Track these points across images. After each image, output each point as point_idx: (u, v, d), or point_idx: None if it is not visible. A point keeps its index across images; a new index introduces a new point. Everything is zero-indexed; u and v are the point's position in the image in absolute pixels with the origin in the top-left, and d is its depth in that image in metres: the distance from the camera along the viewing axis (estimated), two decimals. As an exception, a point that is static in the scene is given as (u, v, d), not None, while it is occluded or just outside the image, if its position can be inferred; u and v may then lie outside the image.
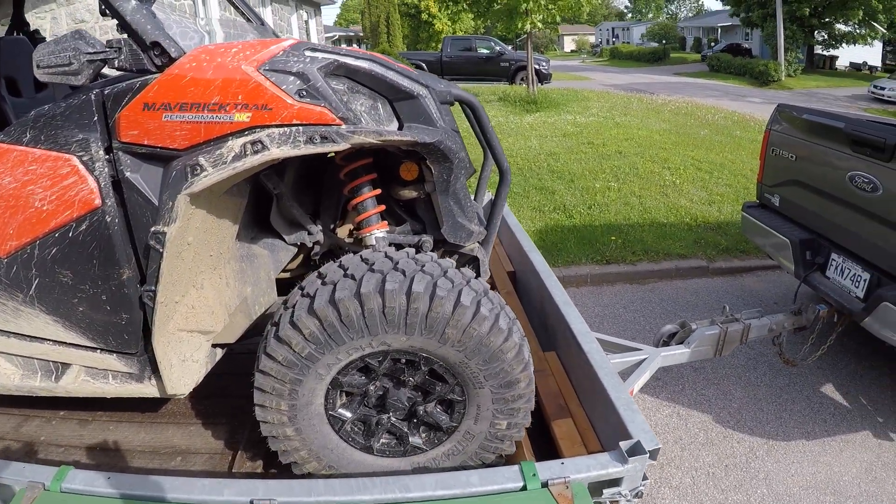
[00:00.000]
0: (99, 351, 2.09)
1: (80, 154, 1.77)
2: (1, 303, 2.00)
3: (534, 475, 1.74)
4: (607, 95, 17.92)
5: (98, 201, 1.81)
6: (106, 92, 1.79)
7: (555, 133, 11.80)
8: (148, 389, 2.14)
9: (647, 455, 1.82)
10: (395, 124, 1.92)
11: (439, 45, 27.91)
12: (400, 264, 1.89)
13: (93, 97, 1.79)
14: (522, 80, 18.79)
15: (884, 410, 4.11)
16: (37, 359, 2.16)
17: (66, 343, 2.08)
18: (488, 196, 4.07)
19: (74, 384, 2.15)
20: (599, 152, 10.32)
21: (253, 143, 1.72)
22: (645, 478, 1.87)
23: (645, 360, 3.63)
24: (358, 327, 1.81)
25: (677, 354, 3.82)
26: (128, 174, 1.79)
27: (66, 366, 2.15)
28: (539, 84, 15.75)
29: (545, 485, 1.73)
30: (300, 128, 1.75)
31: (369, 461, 2.15)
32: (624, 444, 1.85)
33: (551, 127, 12.40)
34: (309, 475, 2.15)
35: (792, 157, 4.27)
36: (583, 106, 15.32)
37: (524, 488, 1.73)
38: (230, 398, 2.72)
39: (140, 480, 1.82)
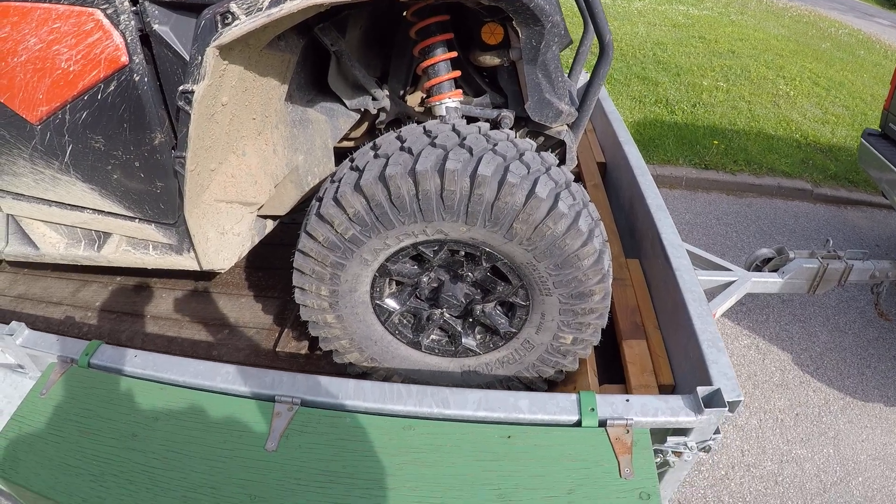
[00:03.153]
0: (137, 220, 2.01)
1: (103, 7, 1.58)
2: (38, 171, 1.94)
3: (592, 410, 1.50)
4: (725, -11, 16.37)
5: (125, 58, 1.63)
6: None
7: (664, 22, 10.87)
8: (187, 262, 2.04)
9: (727, 408, 1.54)
10: None
11: None
12: (468, 140, 1.60)
13: None
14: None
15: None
16: (79, 227, 2.12)
17: (104, 212, 2.02)
18: (584, 76, 3.67)
19: (116, 254, 2.11)
20: (711, 49, 9.46)
21: None
22: (717, 431, 1.60)
23: (734, 282, 3.33)
24: (410, 210, 1.55)
25: (769, 283, 3.52)
26: (156, 27, 1.58)
27: (107, 235, 2.11)
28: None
29: (603, 423, 1.48)
30: None
31: (415, 357, 1.98)
32: (701, 391, 1.57)
33: (661, 15, 11.42)
34: (349, 365, 2.00)
35: None
36: (698, -3, 14.04)
37: (578, 423, 1.49)
38: (283, 269, 2.64)
39: (167, 361, 1.76)
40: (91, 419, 1.62)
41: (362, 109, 2.16)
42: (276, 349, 2.22)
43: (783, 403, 3.43)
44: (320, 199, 1.67)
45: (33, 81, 1.72)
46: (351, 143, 2.44)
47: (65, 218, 2.08)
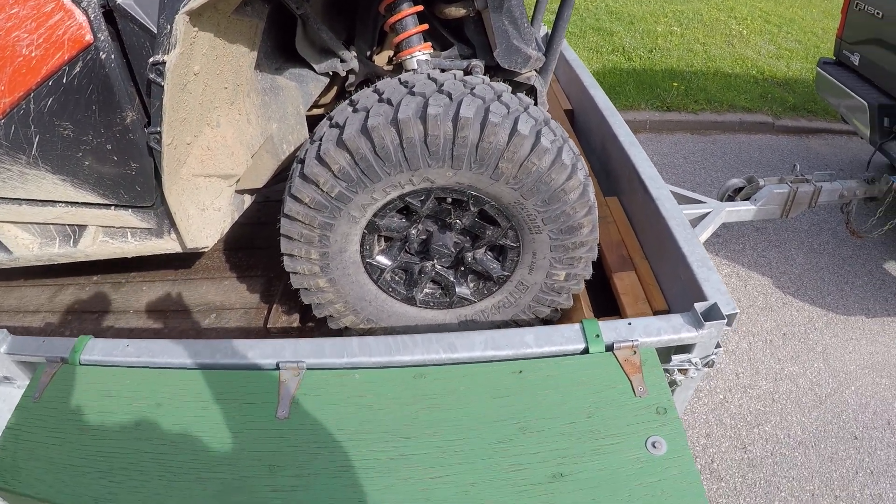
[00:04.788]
0: (113, 207, 1.94)
1: None
2: (5, 168, 1.84)
3: (597, 336, 1.51)
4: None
5: (89, 37, 1.56)
6: None
7: (612, -27, 10.86)
8: (169, 244, 1.99)
9: (724, 321, 1.57)
10: None
11: None
12: (445, 86, 1.58)
13: None
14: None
15: (949, 296, 3.86)
16: (52, 224, 2.03)
17: (78, 203, 1.94)
18: (543, 29, 3.66)
19: (93, 246, 2.03)
20: (661, -5, 9.50)
21: None
22: (718, 346, 1.63)
23: (709, 213, 3.38)
24: (395, 160, 1.54)
25: (742, 211, 3.58)
26: (119, 1, 1.52)
27: (82, 228, 2.02)
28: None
29: (610, 348, 1.50)
30: None
31: (412, 313, 1.97)
32: (699, 307, 1.60)
33: (609, -34, 11.40)
34: (345, 330, 1.98)
35: (878, 13, 3.89)
36: (642, -55, 14.05)
37: (585, 351, 1.50)
38: (265, 249, 2.65)
39: (161, 346, 1.72)
40: (90, 416, 1.58)
41: (331, 73, 2.12)
42: (268, 326, 2.20)
43: (770, 325, 3.51)
44: (302, 161, 1.64)
45: None
46: (321, 111, 2.41)
47: (36, 216, 1.99)
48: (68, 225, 2.03)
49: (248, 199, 2.16)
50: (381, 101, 1.57)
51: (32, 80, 1.64)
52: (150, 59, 1.50)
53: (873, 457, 2.80)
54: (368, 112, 1.54)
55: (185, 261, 2.61)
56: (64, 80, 1.63)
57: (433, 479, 1.25)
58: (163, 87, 1.52)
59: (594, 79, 3.23)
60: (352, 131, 1.52)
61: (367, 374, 1.50)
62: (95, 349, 1.73)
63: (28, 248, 2.08)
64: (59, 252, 2.06)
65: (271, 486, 1.30)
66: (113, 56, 1.60)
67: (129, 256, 2.06)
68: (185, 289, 2.48)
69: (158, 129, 1.61)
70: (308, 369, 1.54)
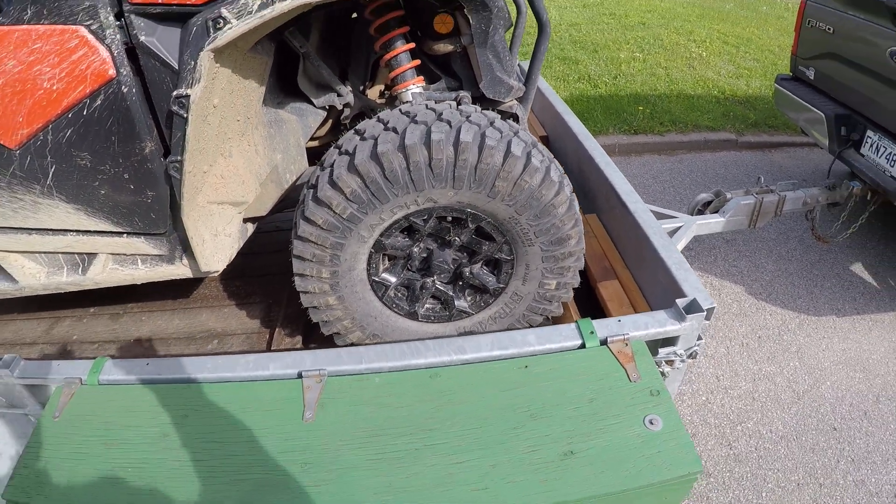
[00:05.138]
0: (125, 235, 1.99)
1: (87, 23, 1.60)
2: (17, 198, 1.88)
3: (592, 333, 1.67)
4: (626, -36, 16.94)
5: (112, 72, 1.65)
6: None
7: (574, 4, 11.19)
8: (180, 270, 2.06)
9: (704, 314, 1.74)
10: None
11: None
12: (444, 115, 1.74)
13: None
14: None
15: (912, 293, 4.08)
16: (61, 253, 2.07)
17: (90, 231, 1.99)
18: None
19: (103, 274, 2.07)
20: (622, 23, 9.84)
21: None
22: (700, 338, 1.80)
23: (681, 227, 3.56)
24: (403, 182, 1.69)
25: (712, 223, 3.77)
26: (142, 38, 1.62)
27: (92, 256, 2.07)
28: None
29: (604, 342, 1.66)
30: None
31: (414, 328, 2.10)
32: (681, 302, 1.77)
33: (570, -2, 11.79)
34: (352, 346, 2.10)
35: (829, 29, 4.09)
36: (601, -24, 14.52)
37: (582, 346, 1.66)
38: (262, 276, 2.71)
39: (181, 363, 1.77)
40: (114, 430, 1.62)
41: (328, 107, 2.28)
42: (272, 349, 2.25)
43: (745, 329, 3.68)
44: (314, 186, 1.78)
45: (12, 105, 1.70)
46: (316, 143, 2.56)
47: (46, 245, 2.03)
48: (78, 253, 2.07)
49: (250, 228, 2.26)
50: (386, 129, 1.72)
51: (52, 111, 1.70)
52: (175, 93, 1.62)
53: (853, 445, 2.96)
54: (377, 139, 1.69)
55: (182, 290, 2.65)
56: (84, 112, 1.70)
57: (457, 465, 1.38)
58: (185, 118, 1.64)
59: (566, 105, 3.42)
60: (363, 157, 1.67)
61: (385, 376, 1.63)
62: (114, 369, 1.77)
63: (35, 277, 2.10)
64: (67, 281, 2.09)
65: (305, 482, 1.41)
66: (134, 89, 1.68)
67: (138, 283, 2.10)
68: (185, 317, 2.52)
69: (179, 157, 1.72)
70: (329, 376, 1.65)
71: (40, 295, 2.20)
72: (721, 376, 3.34)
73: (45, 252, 2.07)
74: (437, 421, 1.49)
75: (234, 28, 1.52)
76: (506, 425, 1.46)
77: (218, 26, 1.53)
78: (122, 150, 1.78)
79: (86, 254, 2.07)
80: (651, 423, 1.43)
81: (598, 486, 1.32)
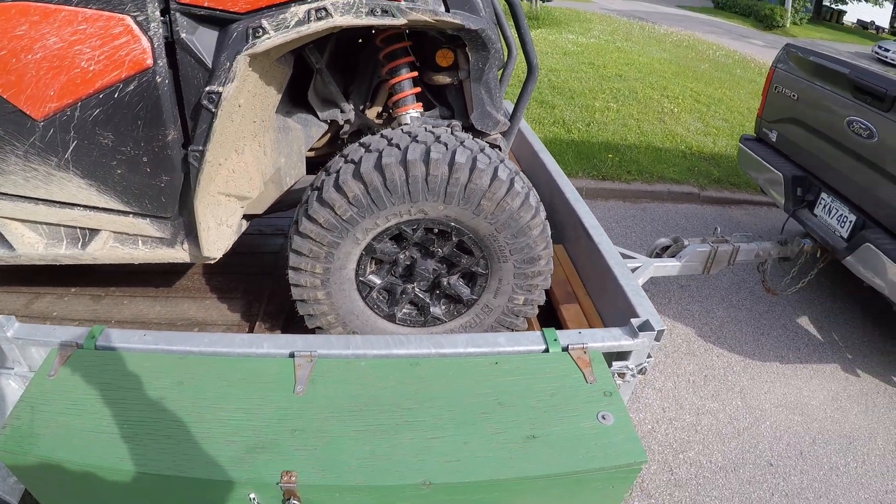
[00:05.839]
0: (132, 215, 2.11)
1: (134, 14, 1.74)
2: (31, 167, 1.97)
3: (555, 340, 1.89)
4: (609, 19, 17.59)
5: (150, 62, 1.79)
6: None
7: (556, 51, 11.67)
8: (179, 254, 2.18)
9: (655, 333, 1.97)
10: (442, 9, 1.96)
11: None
12: (441, 138, 1.97)
13: None
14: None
15: (853, 348, 4.37)
16: (64, 226, 2.15)
17: (97, 208, 2.09)
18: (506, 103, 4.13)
19: (102, 250, 2.16)
20: (600, 73, 10.28)
21: (317, 10, 1.74)
22: (649, 356, 2.03)
23: (639, 268, 3.80)
24: (400, 193, 1.90)
25: (668, 266, 4.00)
26: (183, 35, 1.78)
27: (94, 232, 2.16)
28: (541, 1, 15.37)
29: (565, 349, 1.87)
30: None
31: (390, 329, 2.29)
32: (635, 321, 2.00)
33: (552, 44, 12.24)
34: (337, 336, 2.27)
35: (794, 95, 4.37)
36: (584, 27, 15.08)
37: (546, 350, 1.87)
38: (243, 274, 2.84)
39: (178, 336, 1.87)
40: (111, 391, 1.68)
41: (329, 120, 2.49)
42: None
43: (692, 367, 3.93)
44: (318, 188, 1.98)
45: (46, 78, 1.79)
46: (312, 154, 2.75)
47: (51, 216, 2.10)
48: (80, 228, 2.15)
49: (245, 224, 2.39)
50: (390, 145, 1.94)
51: (85, 90, 1.81)
52: (207, 88, 1.80)
53: (787, 481, 3.19)
54: (381, 152, 1.90)
55: (165, 279, 2.75)
56: (116, 95, 1.82)
57: (433, 439, 1.57)
58: (213, 113, 1.82)
59: (542, 143, 3.69)
60: (368, 166, 1.88)
61: (370, 361, 1.82)
62: (112, 337, 1.84)
63: (33, 246, 2.16)
64: (65, 253, 2.16)
65: (294, 445, 1.58)
66: (167, 81, 1.84)
67: (135, 263, 2.20)
68: (167, 305, 2.61)
69: (201, 147, 1.90)
70: (319, 358, 1.82)
71: (21, 269, 2.22)
72: (667, 408, 3.57)
73: (48, 223, 2.14)
74: (416, 402, 1.68)
75: (272, 38, 1.73)
76: (477, 410, 1.66)
77: (257, 35, 1.73)
78: (145, 134, 1.91)
79: (88, 229, 2.15)
80: (603, 418, 1.65)
81: (556, 466, 1.52)
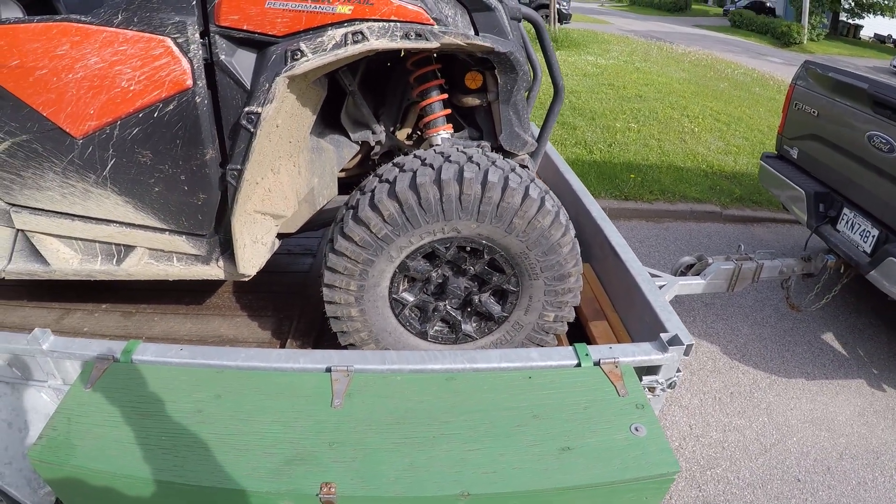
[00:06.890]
0: (168, 232, 2.15)
1: (174, 36, 1.80)
2: (69, 184, 2.02)
3: (587, 355, 1.92)
4: (627, 40, 17.74)
5: (189, 82, 1.84)
6: None
7: (575, 72, 11.78)
8: (213, 271, 2.21)
9: (684, 348, 1.99)
10: (472, 32, 2.02)
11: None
12: (474, 158, 2.02)
13: None
14: (544, 18, 18.49)
15: (879, 363, 4.34)
16: (99, 242, 2.19)
17: (134, 225, 2.13)
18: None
19: (137, 266, 2.19)
20: (620, 94, 10.36)
21: (354, 33, 1.81)
22: (679, 370, 2.05)
23: (664, 286, 3.80)
24: (434, 212, 1.95)
25: (693, 284, 3.99)
26: (222, 57, 1.84)
27: (129, 248, 2.19)
28: (559, 24, 15.55)
29: (597, 363, 1.90)
30: (398, 24, 1.85)
31: (422, 347, 2.32)
32: (664, 336, 2.02)
33: (572, 66, 12.37)
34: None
35: (814, 112, 4.38)
36: (603, 48, 15.22)
37: (578, 365, 1.90)
38: (272, 293, 2.88)
39: (215, 351, 1.91)
40: (148, 403, 1.70)
41: (361, 142, 2.55)
42: None
43: (718, 385, 3.93)
44: (354, 207, 2.03)
45: (86, 98, 1.84)
46: (343, 174, 2.81)
47: (87, 232, 2.13)
48: (116, 244, 2.18)
49: (277, 243, 2.43)
50: (424, 165, 1.99)
51: (124, 109, 1.86)
52: (246, 109, 1.86)
53: (815, 496, 3.18)
54: (416, 172, 1.96)
55: (195, 297, 2.79)
56: (155, 115, 1.87)
57: (470, 452, 1.60)
58: (252, 133, 1.88)
59: (567, 164, 3.74)
60: (403, 186, 1.93)
61: (406, 376, 1.86)
62: (148, 351, 1.87)
63: (68, 262, 2.19)
64: (99, 269, 2.20)
65: (332, 458, 1.61)
66: (206, 101, 1.89)
67: (169, 279, 2.22)
68: (197, 322, 2.64)
69: (239, 166, 1.96)
70: (356, 373, 1.86)
71: (52, 284, 2.25)
72: (693, 425, 3.57)
73: (83, 239, 2.18)
74: (453, 415, 1.71)
75: (310, 61, 1.80)
76: (512, 423, 1.69)
77: (296, 57, 1.80)
78: (184, 153, 1.97)
79: (123, 245, 2.19)
80: (636, 429, 1.68)
81: (591, 476, 1.55)
